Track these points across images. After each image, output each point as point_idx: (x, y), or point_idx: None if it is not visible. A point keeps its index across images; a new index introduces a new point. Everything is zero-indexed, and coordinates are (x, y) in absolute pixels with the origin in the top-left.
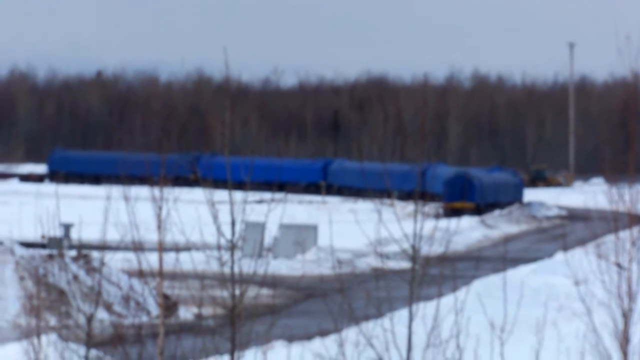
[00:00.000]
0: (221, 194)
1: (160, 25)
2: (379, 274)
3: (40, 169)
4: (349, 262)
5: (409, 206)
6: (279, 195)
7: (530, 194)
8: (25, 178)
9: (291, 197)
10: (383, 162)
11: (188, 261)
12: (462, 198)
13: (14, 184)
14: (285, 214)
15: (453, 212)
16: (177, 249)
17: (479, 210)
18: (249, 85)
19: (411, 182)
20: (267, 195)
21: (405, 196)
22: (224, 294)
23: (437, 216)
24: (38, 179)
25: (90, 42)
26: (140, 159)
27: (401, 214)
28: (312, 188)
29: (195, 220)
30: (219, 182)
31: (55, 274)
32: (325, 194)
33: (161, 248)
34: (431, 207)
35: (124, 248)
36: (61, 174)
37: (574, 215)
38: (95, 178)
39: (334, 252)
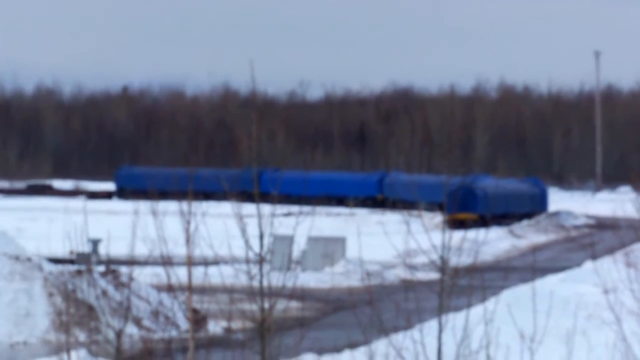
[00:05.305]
0: (250, 207)
1: (186, 39)
2: (407, 286)
3: (68, 185)
4: (377, 274)
5: (437, 217)
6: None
7: (557, 203)
8: (93, 195)
9: (319, 209)
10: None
11: (217, 275)
12: (465, 209)
13: (82, 201)
14: (313, 227)
15: (455, 224)
16: (206, 263)
17: (483, 221)
18: (275, 99)
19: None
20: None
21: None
22: (253, 307)
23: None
24: (106, 196)
25: (115, 57)
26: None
27: (429, 225)
28: (369, 202)
29: (224, 234)
30: (282, 197)
31: (84, 289)
32: (382, 207)
33: (190, 262)
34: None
35: (153, 263)
36: (128, 190)
37: (602, 224)
38: (162, 194)
39: (362, 264)
